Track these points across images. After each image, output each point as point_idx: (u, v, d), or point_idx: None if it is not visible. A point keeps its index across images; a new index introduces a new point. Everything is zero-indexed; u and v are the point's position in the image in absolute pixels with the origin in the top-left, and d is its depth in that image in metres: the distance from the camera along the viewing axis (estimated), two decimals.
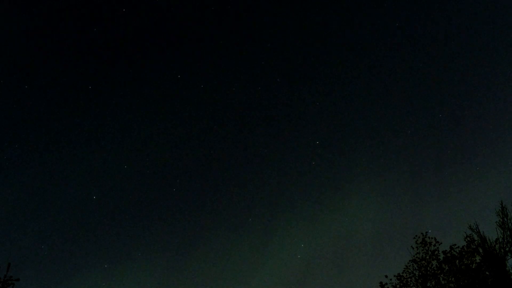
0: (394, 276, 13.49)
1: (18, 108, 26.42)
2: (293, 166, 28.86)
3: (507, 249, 12.55)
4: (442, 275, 13.09)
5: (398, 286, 13.34)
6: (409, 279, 13.33)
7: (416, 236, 13.73)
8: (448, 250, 13.26)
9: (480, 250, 12.86)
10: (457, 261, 13.02)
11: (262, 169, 29.03)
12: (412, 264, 13.50)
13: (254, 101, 28.66)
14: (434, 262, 13.31)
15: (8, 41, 25.84)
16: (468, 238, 13.11)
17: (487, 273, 12.69)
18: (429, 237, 13.62)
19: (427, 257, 13.39)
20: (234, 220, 28.20)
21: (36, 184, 26.72)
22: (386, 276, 13.57)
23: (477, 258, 12.87)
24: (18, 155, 25.65)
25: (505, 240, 12.60)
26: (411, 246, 13.72)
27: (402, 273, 13.48)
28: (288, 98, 29.11)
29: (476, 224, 13.06)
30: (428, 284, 13.15)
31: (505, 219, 12.72)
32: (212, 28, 28.29)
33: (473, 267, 12.81)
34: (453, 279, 12.92)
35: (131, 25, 27.69)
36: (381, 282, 13.51)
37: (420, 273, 13.31)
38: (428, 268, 13.28)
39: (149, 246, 27.60)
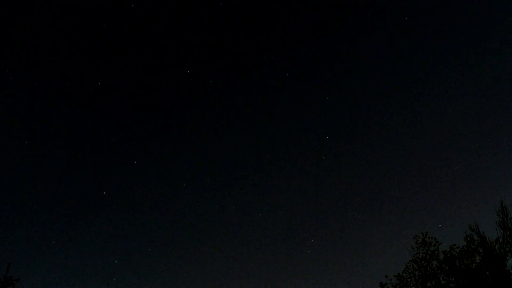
0: (394, 276, 13.55)
1: (24, 104, 26.99)
2: (303, 161, 28.96)
3: (507, 249, 12.49)
4: (442, 275, 13.11)
5: (398, 286, 13.41)
6: (409, 279, 13.37)
7: (416, 236, 13.76)
8: (448, 250, 13.26)
9: (480, 250, 12.82)
10: (457, 261, 13.02)
11: (271, 164, 29.20)
12: (412, 264, 13.53)
13: (264, 96, 28.74)
14: (434, 262, 13.33)
15: (11, 40, 26.32)
16: (468, 238, 13.06)
17: (487, 273, 12.66)
18: (429, 237, 13.63)
19: (427, 257, 13.41)
20: (243, 215, 28.54)
21: (45, 180, 27.33)
22: (386, 276, 13.65)
23: (477, 258, 12.85)
24: (25, 152, 26.17)
25: (505, 240, 12.54)
26: (411, 246, 13.76)
27: (402, 273, 13.53)
28: (298, 93, 29.09)
29: (476, 224, 13.00)
30: (428, 284, 13.19)
31: (505, 219, 12.64)
32: (221, 23, 28.31)
33: (473, 267, 12.80)
34: (453, 279, 12.94)
35: (139, 20, 27.87)
36: (381, 282, 13.59)
37: (420, 273, 13.34)
38: (428, 268, 13.31)
39: (159, 241, 28.20)
